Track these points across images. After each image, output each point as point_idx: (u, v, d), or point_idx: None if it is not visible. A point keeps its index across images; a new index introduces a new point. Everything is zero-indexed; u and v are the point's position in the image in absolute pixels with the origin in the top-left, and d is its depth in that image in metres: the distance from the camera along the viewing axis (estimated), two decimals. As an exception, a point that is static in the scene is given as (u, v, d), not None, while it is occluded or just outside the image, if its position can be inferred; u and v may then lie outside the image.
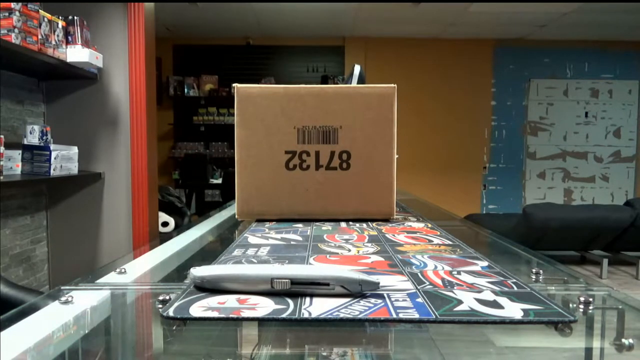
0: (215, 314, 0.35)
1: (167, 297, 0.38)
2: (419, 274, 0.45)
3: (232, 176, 0.89)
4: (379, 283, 0.39)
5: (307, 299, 0.37)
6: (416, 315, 0.34)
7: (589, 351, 0.41)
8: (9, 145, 2.19)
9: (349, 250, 0.58)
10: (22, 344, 0.31)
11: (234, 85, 0.81)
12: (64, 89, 2.61)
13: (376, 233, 0.70)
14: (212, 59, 6.26)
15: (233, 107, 0.82)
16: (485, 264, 0.50)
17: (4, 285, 0.86)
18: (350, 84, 1.20)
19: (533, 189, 6.51)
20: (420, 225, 0.78)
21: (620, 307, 0.39)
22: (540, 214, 4.31)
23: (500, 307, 0.36)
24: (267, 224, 0.78)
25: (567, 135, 6.46)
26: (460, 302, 0.37)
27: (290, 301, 0.37)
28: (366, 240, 0.64)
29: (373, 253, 0.56)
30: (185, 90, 6.17)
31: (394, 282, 0.43)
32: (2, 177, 2.01)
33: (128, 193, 2.66)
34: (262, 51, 6.26)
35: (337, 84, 5.74)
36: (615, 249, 4.67)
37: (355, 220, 0.82)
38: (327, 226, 0.76)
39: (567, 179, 6.50)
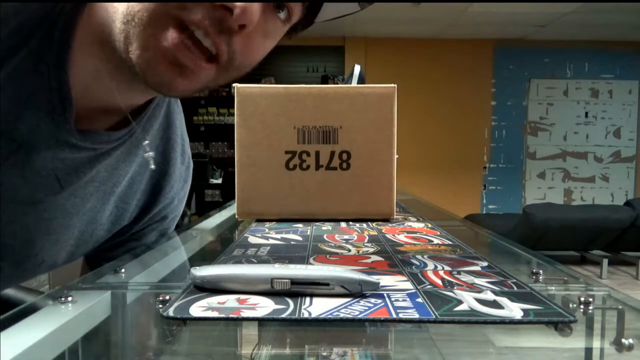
0: (215, 314, 0.35)
1: (167, 297, 0.38)
2: (419, 274, 0.45)
3: (232, 176, 0.89)
4: (379, 283, 0.39)
5: (307, 299, 0.37)
6: (416, 315, 0.34)
7: (589, 351, 0.41)
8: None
9: (349, 250, 0.58)
10: (22, 344, 0.31)
11: (234, 85, 0.81)
12: (64, 89, 2.60)
13: (376, 233, 0.70)
14: (212, 59, 6.25)
15: (233, 107, 0.82)
16: (485, 264, 0.50)
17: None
18: (350, 84, 1.20)
19: (533, 189, 6.51)
20: (420, 225, 0.78)
21: (620, 307, 0.39)
22: (540, 214, 4.31)
23: (500, 307, 0.36)
24: (267, 224, 0.78)
25: (567, 135, 6.46)
26: (460, 302, 0.37)
27: (290, 301, 0.37)
28: (366, 240, 0.64)
29: (373, 253, 0.56)
30: (185, 90, 6.16)
31: (394, 282, 0.43)
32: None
33: (128, 193, 2.66)
34: (262, 51, 6.25)
35: (337, 84, 5.75)
36: (615, 249, 4.67)
37: (355, 220, 0.82)
38: (327, 226, 0.76)
39: (567, 179, 6.50)
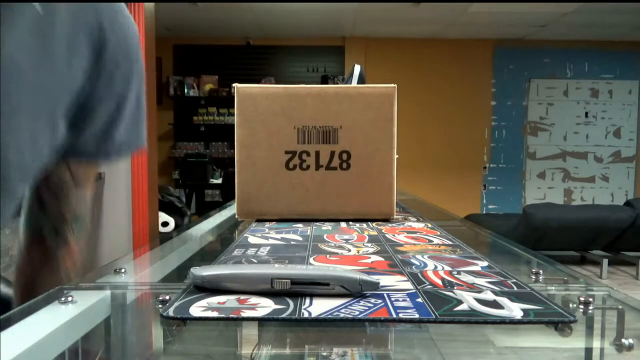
0: (215, 314, 0.35)
1: (167, 297, 0.38)
2: (419, 274, 0.45)
3: (232, 176, 0.89)
4: (379, 283, 0.39)
5: (307, 299, 0.37)
6: (416, 315, 0.34)
7: (589, 351, 0.41)
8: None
9: (349, 250, 0.58)
10: (22, 344, 0.31)
11: (234, 85, 0.81)
12: (64, 89, 2.60)
13: (376, 233, 0.70)
14: (212, 59, 6.25)
15: (233, 107, 0.82)
16: (485, 264, 0.50)
17: (4, 285, 0.86)
18: (350, 84, 1.20)
19: (533, 189, 6.51)
20: (420, 225, 0.78)
21: (620, 307, 0.39)
22: (540, 214, 4.31)
23: (500, 307, 0.36)
24: (267, 224, 0.78)
25: (567, 135, 6.46)
26: (460, 302, 0.37)
27: (290, 301, 0.37)
28: (366, 240, 0.64)
29: (373, 253, 0.56)
30: (185, 90, 6.17)
31: (394, 282, 0.43)
32: (2, 177, 2.00)
33: (128, 193, 2.66)
34: (262, 51, 6.25)
35: (337, 84, 5.74)
36: (615, 249, 4.66)
37: (355, 220, 0.82)
38: (327, 226, 0.76)
39: (567, 179, 6.50)
